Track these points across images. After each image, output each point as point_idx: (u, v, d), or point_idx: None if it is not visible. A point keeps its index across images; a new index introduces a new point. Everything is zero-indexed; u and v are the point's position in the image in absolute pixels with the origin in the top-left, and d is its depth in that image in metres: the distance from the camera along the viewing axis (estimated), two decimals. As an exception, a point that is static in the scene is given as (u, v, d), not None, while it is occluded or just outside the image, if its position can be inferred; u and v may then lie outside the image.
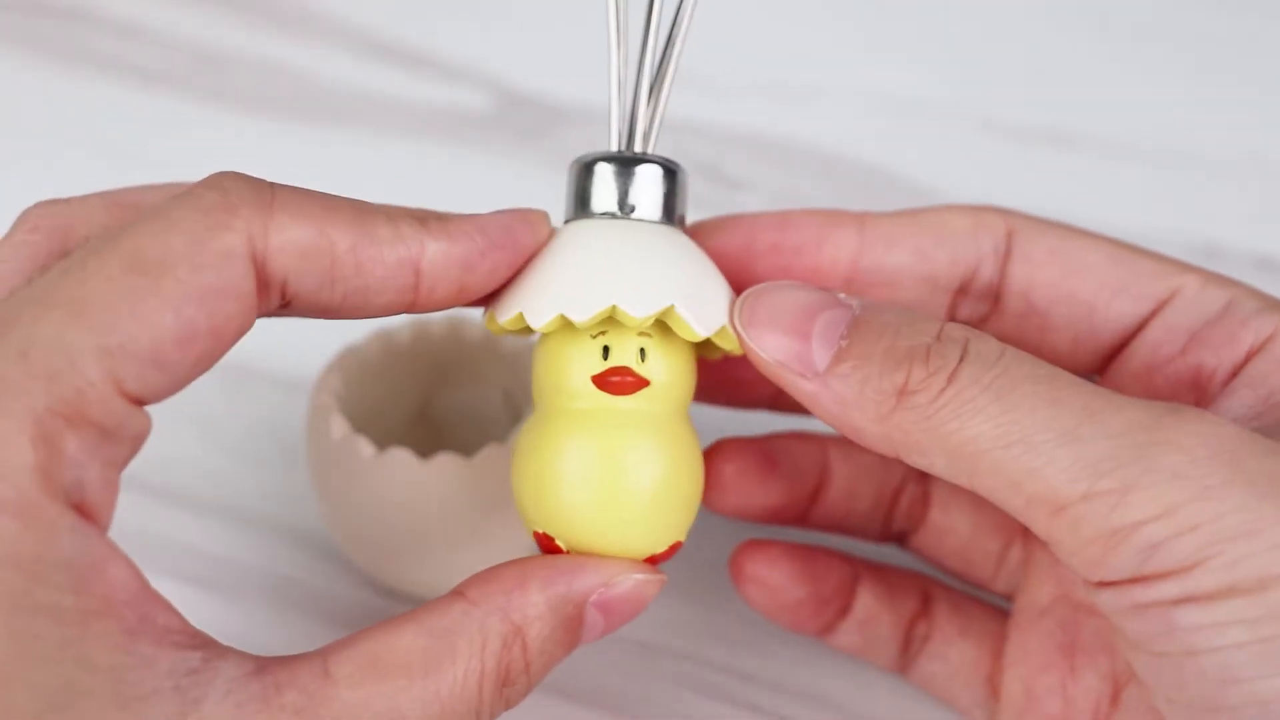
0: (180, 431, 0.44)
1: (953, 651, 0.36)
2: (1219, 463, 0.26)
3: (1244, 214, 0.52)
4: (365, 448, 0.37)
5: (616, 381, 0.30)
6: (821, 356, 0.29)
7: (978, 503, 0.37)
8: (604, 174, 0.31)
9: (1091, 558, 0.27)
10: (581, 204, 0.31)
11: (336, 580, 0.42)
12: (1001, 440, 0.27)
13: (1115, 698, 0.33)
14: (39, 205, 0.30)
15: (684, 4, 0.32)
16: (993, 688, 0.36)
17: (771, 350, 0.30)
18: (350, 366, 0.40)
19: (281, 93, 0.56)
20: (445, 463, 0.37)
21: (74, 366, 0.26)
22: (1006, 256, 0.34)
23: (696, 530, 0.43)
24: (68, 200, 0.30)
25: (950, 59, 0.57)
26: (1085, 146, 0.55)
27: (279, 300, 0.29)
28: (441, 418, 0.43)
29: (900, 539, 0.39)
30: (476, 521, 0.37)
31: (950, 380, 0.28)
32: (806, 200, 0.52)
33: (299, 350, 0.46)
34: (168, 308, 0.27)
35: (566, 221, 0.32)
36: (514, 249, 0.31)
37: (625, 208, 0.31)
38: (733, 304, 0.31)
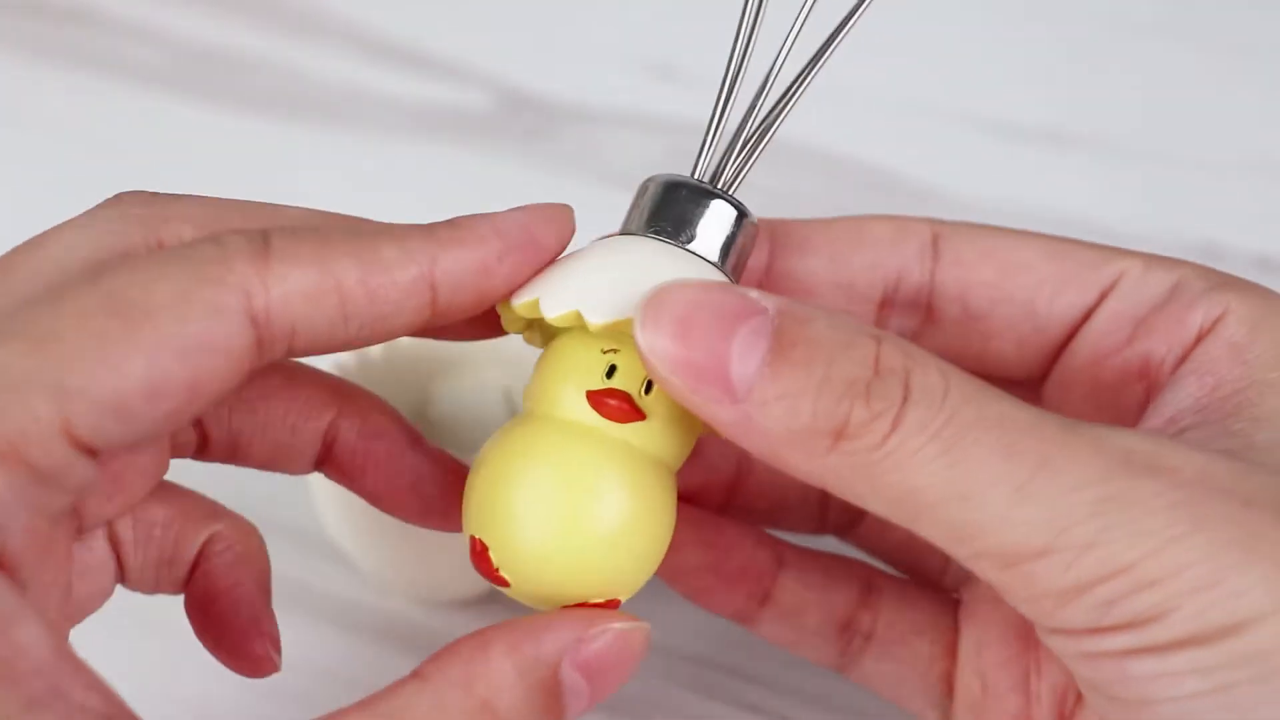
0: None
1: (904, 650, 0.34)
2: (1177, 514, 0.25)
3: (1244, 214, 0.52)
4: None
5: (612, 405, 0.27)
6: (742, 380, 0.26)
7: None
8: (674, 197, 0.29)
9: (1045, 609, 0.26)
10: (641, 219, 0.29)
11: (336, 580, 0.41)
12: (950, 493, 0.25)
13: (1080, 693, 0.32)
14: (131, 194, 0.28)
15: (805, 69, 0.30)
16: (948, 685, 0.34)
17: (680, 368, 0.26)
18: (350, 365, 0.40)
19: (281, 93, 0.56)
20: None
21: (21, 399, 0.24)
22: (935, 261, 0.32)
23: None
24: (164, 196, 0.28)
25: (951, 59, 0.57)
26: (1085, 146, 0.55)
27: (285, 349, 0.27)
28: (442, 416, 0.43)
29: (840, 531, 0.36)
30: None
31: (895, 426, 0.25)
32: (806, 200, 0.52)
33: (299, 350, 0.46)
34: (140, 355, 0.25)
35: (621, 232, 0.30)
36: (534, 249, 0.28)
37: (684, 235, 0.29)
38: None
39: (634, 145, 0.54)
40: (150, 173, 0.53)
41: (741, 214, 0.29)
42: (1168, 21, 0.59)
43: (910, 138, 0.54)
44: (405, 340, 0.41)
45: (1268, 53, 0.58)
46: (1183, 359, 0.30)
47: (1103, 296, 0.31)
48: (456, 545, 0.37)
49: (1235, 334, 0.29)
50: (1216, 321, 0.29)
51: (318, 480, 0.39)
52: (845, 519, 0.36)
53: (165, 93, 0.56)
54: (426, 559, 0.38)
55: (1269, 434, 0.27)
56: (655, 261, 0.28)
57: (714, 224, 0.29)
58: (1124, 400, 0.31)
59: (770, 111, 0.30)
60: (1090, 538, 0.25)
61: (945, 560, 0.35)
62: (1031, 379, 0.33)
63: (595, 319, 0.27)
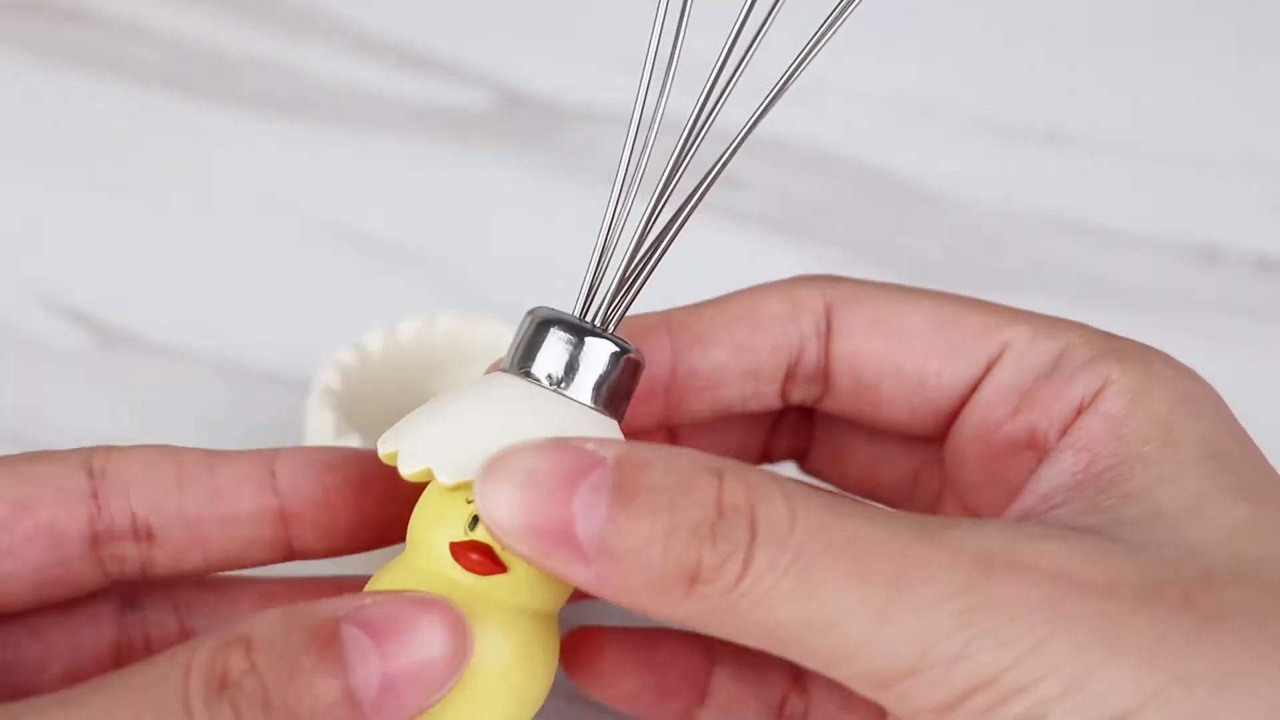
0: (180, 431, 0.44)
1: None
2: (1037, 618, 0.25)
3: (1244, 214, 0.52)
4: (360, 446, 0.37)
5: (473, 559, 0.27)
6: (589, 539, 0.25)
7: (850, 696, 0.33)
8: (544, 336, 0.28)
9: None
10: (515, 357, 0.29)
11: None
12: (811, 626, 0.25)
13: None
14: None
15: (683, 207, 0.30)
16: None
17: (528, 536, 0.25)
18: (350, 363, 0.40)
19: (281, 93, 0.56)
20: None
21: None
22: (829, 334, 0.32)
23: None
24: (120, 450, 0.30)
25: (950, 59, 0.57)
26: (1085, 146, 0.55)
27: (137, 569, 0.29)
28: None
29: None
30: None
31: (745, 566, 0.25)
32: (806, 200, 0.52)
33: (299, 350, 0.46)
34: None
35: (502, 369, 0.29)
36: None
37: (554, 377, 0.28)
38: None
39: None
40: (150, 172, 0.53)
41: (620, 350, 0.29)
42: (1168, 21, 0.59)
43: (910, 138, 0.54)
44: (405, 337, 0.41)
45: (1268, 52, 0.58)
46: (1063, 432, 0.30)
47: (989, 367, 0.31)
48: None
49: (1112, 407, 0.29)
50: (1096, 394, 0.29)
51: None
52: None
53: (165, 93, 0.56)
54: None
55: (1136, 509, 0.27)
56: (517, 410, 0.28)
57: (588, 363, 0.28)
58: (1015, 470, 0.31)
59: (651, 245, 0.30)
60: (956, 651, 0.25)
61: None
62: (931, 438, 0.33)
63: (445, 479, 0.27)
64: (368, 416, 0.40)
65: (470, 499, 0.27)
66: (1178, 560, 0.26)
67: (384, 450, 0.28)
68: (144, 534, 0.29)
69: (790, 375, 0.33)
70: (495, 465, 0.26)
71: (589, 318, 0.29)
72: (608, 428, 0.29)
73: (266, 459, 0.30)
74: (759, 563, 0.25)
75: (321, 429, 0.38)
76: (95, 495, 0.29)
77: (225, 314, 0.48)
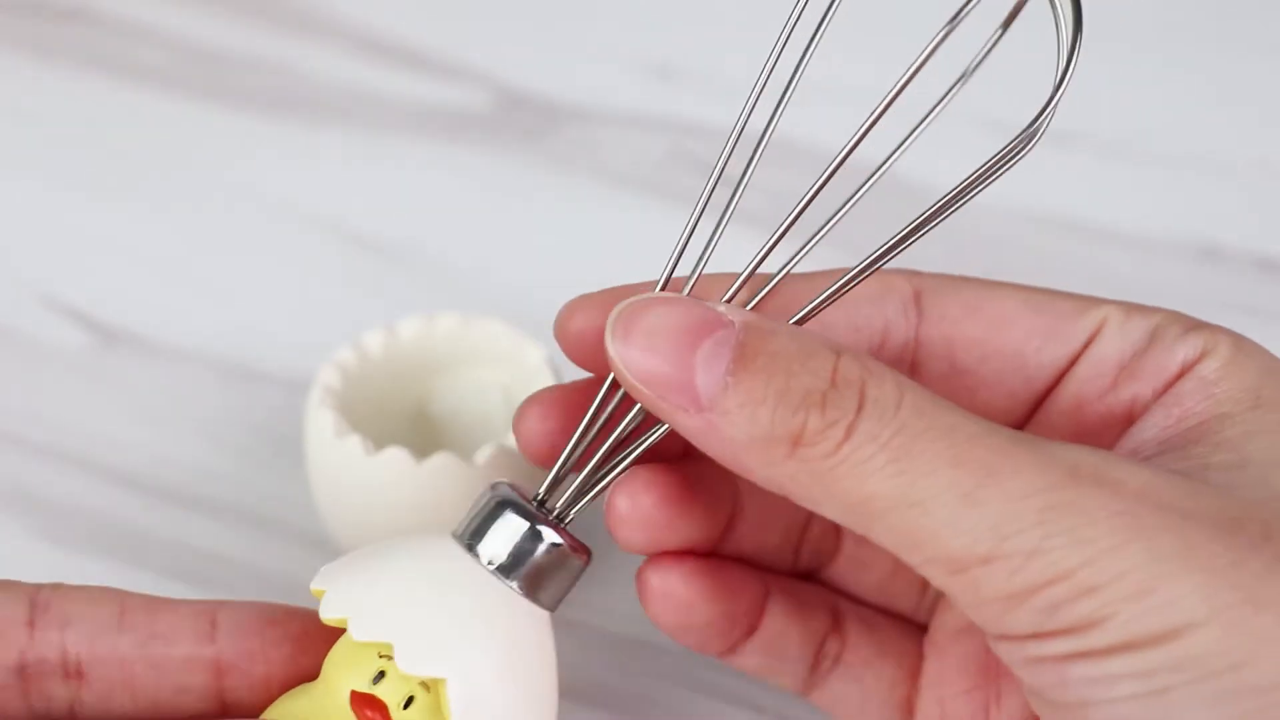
0: (180, 431, 0.44)
1: (868, 673, 0.34)
2: (1118, 524, 0.26)
3: (1244, 214, 0.52)
4: (360, 446, 0.37)
5: (368, 715, 0.28)
6: (707, 389, 0.27)
7: None
8: (500, 518, 0.29)
9: (991, 614, 0.27)
10: (467, 526, 0.29)
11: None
12: (899, 501, 0.26)
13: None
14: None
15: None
16: (907, 711, 0.34)
17: (648, 379, 0.27)
18: (350, 363, 0.40)
19: (282, 93, 0.56)
20: (441, 462, 0.37)
21: None
22: (920, 319, 0.33)
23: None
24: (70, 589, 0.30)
25: (950, 59, 0.57)
26: (1085, 146, 0.55)
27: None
28: (442, 414, 0.43)
29: (808, 573, 0.36)
30: None
31: (847, 435, 0.27)
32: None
33: (299, 350, 0.46)
34: None
35: (454, 535, 0.30)
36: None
37: (499, 565, 0.29)
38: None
39: (634, 145, 0.54)
40: (151, 172, 0.53)
41: (568, 546, 0.29)
42: (1168, 22, 0.59)
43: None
44: (406, 338, 0.41)
45: (1268, 53, 0.58)
46: (1157, 399, 0.31)
47: (1086, 345, 0.32)
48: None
49: (1207, 371, 0.30)
50: (1195, 362, 0.30)
51: (318, 480, 0.39)
52: (816, 561, 0.36)
53: (165, 92, 0.55)
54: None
55: (1224, 456, 0.28)
56: (447, 586, 0.28)
57: (533, 554, 0.29)
58: (1105, 442, 0.32)
59: (617, 450, 0.30)
60: (1034, 545, 0.26)
61: (919, 597, 0.36)
62: (1012, 424, 0.33)
63: (358, 635, 0.28)
64: (368, 416, 0.40)
65: (383, 653, 0.27)
66: (1262, 501, 0.27)
67: (314, 586, 0.29)
68: (74, 671, 0.29)
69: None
70: (628, 313, 0.28)
71: (553, 501, 0.30)
72: (538, 620, 0.29)
73: (210, 608, 0.30)
74: (861, 433, 0.26)
75: (321, 429, 0.38)
76: (31, 624, 0.29)
77: (225, 314, 0.48)
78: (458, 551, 0.29)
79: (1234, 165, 0.54)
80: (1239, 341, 0.31)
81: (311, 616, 0.30)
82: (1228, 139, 0.55)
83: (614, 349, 0.28)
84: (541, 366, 0.40)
